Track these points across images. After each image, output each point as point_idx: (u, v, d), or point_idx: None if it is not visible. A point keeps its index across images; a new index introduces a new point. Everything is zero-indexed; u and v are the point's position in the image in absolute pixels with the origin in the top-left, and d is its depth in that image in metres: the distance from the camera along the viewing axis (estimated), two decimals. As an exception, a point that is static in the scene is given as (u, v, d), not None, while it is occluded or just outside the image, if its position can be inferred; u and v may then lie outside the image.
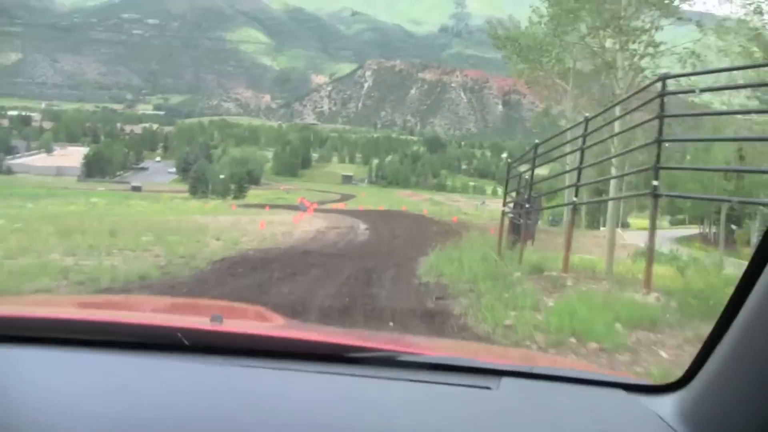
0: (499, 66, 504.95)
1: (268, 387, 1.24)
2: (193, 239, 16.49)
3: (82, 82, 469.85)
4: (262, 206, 57.62)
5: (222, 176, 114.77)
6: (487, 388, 1.25)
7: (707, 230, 65.87)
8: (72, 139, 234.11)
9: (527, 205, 14.56)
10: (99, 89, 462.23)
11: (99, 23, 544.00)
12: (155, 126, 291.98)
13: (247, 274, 11.18)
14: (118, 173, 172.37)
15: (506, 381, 1.29)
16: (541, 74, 23.46)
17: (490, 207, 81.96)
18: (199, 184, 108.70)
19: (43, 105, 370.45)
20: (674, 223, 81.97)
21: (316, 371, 1.26)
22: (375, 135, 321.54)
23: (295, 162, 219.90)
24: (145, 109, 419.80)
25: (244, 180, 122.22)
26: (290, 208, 48.93)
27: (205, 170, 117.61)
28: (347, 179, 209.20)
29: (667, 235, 50.18)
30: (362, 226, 28.92)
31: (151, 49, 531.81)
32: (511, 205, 17.87)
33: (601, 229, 50.51)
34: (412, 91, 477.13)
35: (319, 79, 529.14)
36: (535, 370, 1.40)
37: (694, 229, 70.97)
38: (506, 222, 17.63)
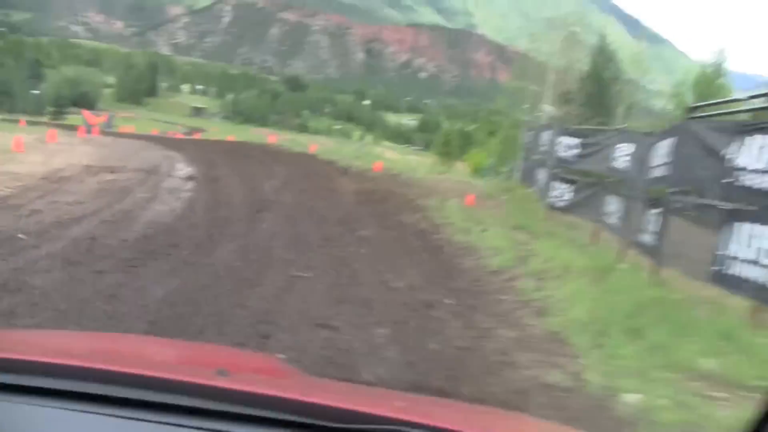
0: (363, 14, 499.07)
1: None
2: None
3: None
4: (16, 121, 47.02)
5: (36, 92, 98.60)
6: None
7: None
8: None
9: None
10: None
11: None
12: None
13: None
14: None
15: None
16: None
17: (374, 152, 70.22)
18: (2, 99, 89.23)
19: None
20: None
21: None
22: (232, 72, 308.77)
23: (140, 89, 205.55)
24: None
25: (69, 102, 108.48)
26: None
27: (10, 83, 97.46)
28: (198, 111, 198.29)
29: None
30: (182, 170, 15.82)
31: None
32: None
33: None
34: (273, 30, 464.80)
35: (176, 9, 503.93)
36: None
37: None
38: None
